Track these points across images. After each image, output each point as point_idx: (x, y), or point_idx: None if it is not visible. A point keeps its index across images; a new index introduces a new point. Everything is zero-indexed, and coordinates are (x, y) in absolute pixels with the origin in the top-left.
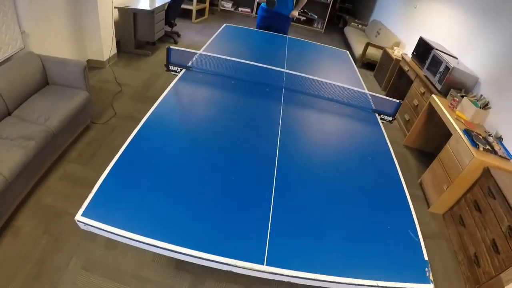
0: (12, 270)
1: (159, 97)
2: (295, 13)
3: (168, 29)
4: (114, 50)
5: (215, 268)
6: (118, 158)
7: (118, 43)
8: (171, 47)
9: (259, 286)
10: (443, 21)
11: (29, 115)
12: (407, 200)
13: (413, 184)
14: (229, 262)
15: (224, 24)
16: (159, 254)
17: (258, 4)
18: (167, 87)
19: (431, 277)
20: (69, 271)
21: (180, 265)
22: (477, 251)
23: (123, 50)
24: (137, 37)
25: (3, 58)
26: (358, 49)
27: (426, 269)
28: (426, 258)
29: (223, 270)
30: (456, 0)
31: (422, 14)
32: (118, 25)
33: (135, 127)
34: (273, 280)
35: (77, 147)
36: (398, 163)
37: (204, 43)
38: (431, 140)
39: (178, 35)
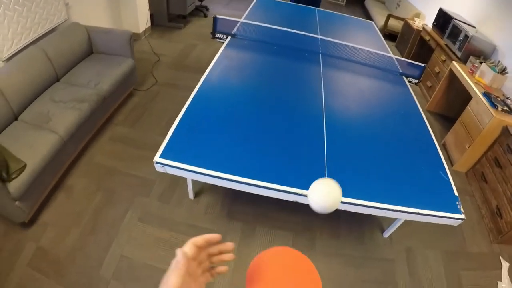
0: (67, 226)
1: (197, 66)
2: None
3: (198, 3)
4: (149, 23)
5: (265, 217)
6: (185, 110)
7: (151, 16)
8: (218, 16)
9: (304, 233)
10: None
11: (78, 80)
12: (436, 147)
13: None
14: (296, 191)
15: None
16: (212, 204)
17: None
18: (203, 57)
19: (461, 209)
20: (125, 223)
21: (231, 215)
22: (499, 204)
23: (156, 23)
24: (169, 10)
25: (50, 28)
26: (380, 21)
27: (457, 202)
28: (456, 194)
29: (272, 218)
30: None
31: None
32: None
33: (177, 93)
34: (317, 229)
35: (123, 112)
36: None
37: (232, 16)
38: (452, 105)
39: (207, 9)
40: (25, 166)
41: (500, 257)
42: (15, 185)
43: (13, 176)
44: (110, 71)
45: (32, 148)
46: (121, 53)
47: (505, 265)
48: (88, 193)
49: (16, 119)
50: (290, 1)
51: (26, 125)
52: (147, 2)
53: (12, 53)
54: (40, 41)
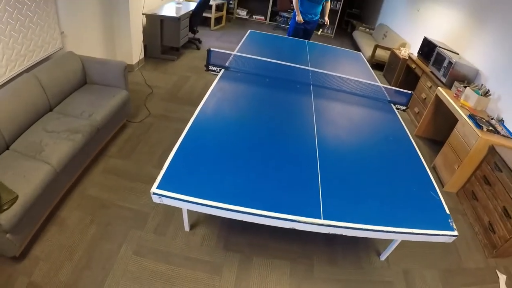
0: (60, 260)
1: (190, 98)
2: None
3: (191, 35)
4: (142, 55)
5: (261, 246)
6: (182, 141)
7: (145, 48)
8: (212, 49)
9: (301, 260)
10: (444, 21)
11: (72, 110)
12: (426, 169)
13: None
14: (294, 218)
15: (249, 30)
16: (208, 236)
17: (273, 12)
18: (196, 89)
19: (454, 226)
20: (121, 257)
21: (227, 246)
22: (491, 220)
23: (150, 55)
24: (163, 42)
25: (44, 56)
26: (367, 51)
27: (449, 220)
28: (447, 212)
29: (269, 248)
30: (454, 1)
31: (424, 16)
32: (145, 31)
33: (171, 125)
34: (313, 256)
35: (116, 143)
36: None
37: (224, 49)
38: (440, 129)
39: (200, 42)
40: (17, 197)
41: (497, 270)
42: (6, 217)
43: (5, 208)
44: (104, 102)
45: (25, 179)
46: (115, 84)
47: (502, 277)
48: (82, 226)
49: (7, 148)
50: (288, 36)
51: (18, 154)
52: (141, 33)
53: (6, 80)
54: (35, 69)
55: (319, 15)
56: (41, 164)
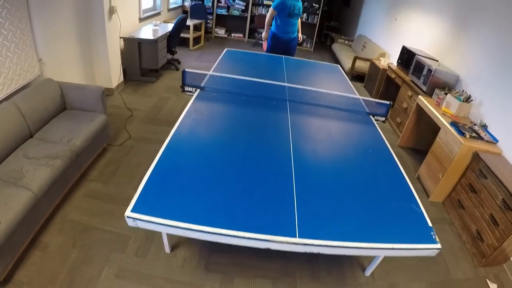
0: (43, 284)
1: (170, 119)
2: (301, 36)
3: (170, 56)
4: (121, 78)
5: (243, 266)
6: (156, 163)
7: (124, 71)
8: (186, 70)
9: (283, 279)
10: (422, 28)
11: (51, 136)
12: (406, 181)
13: (411, 179)
14: (268, 238)
15: (226, 49)
16: (189, 257)
17: (252, 29)
18: (176, 109)
19: (437, 239)
20: (102, 280)
21: (209, 266)
22: (478, 228)
23: (129, 78)
24: (142, 65)
25: (23, 84)
26: (347, 63)
27: (432, 233)
28: (430, 224)
29: (250, 267)
30: (431, 8)
31: (402, 25)
32: (123, 54)
33: (151, 147)
34: (296, 273)
35: (97, 167)
36: None
37: (203, 68)
38: (423, 138)
39: (179, 62)
40: None
41: (487, 279)
42: None
43: None
44: (83, 127)
45: (6, 205)
46: (94, 109)
47: (492, 286)
48: (64, 250)
49: None
50: (266, 52)
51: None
52: (120, 57)
53: None
54: (14, 97)
55: (296, 32)
56: (22, 191)
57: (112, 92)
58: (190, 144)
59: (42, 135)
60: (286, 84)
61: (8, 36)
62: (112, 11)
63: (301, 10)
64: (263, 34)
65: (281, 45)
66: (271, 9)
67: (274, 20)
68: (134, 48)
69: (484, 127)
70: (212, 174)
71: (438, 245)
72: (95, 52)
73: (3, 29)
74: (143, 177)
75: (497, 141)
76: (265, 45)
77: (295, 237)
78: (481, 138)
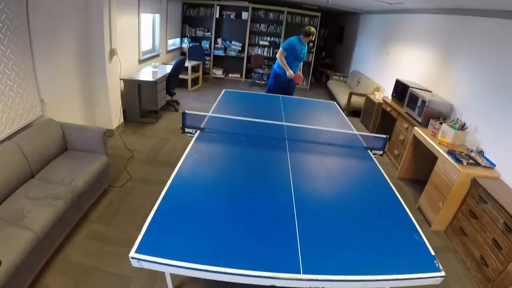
0: None
1: (170, 160)
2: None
3: (169, 97)
4: (121, 119)
5: None
6: (159, 205)
7: (124, 112)
8: (186, 111)
9: None
10: (414, 61)
11: (53, 177)
12: (406, 212)
13: (412, 210)
14: (272, 275)
15: (224, 90)
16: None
17: (248, 69)
18: (176, 150)
19: (440, 267)
20: None
21: None
22: (482, 253)
23: (129, 119)
24: (141, 106)
25: (24, 124)
26: (343, 99)
27: (435, 261)
28: (432, 253)
29: None
30: (421, 41)
31: (395, 59)
32: (123, 96)
33: (151, 188)
34: None
35: (98, 209)
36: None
37: (202, 109)
38: (421, 169)
39: (178, 103)
40: (0, 263)
41: None
42: None
43: None
44: (84, 168)
45: (7, 245)
46: (95, 150)
47: None
48: None
49: None
50: (266, 92)
51: (1, 221)
52: (120, 98)
53: None
54: (15, 136)
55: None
56: (24, 231)
57: (113, 133)
58: (192, 184)
59: (43, 176)
60: (284, 123)
61: (11, 76)
62: (112, 53)
63: (305, 54)
64: (288, 73)
65: (282, 84)
66: (281, 50)
67: (278, 61)
68: (134, 90)
69: (481, 153)
70: (214, 213)
71: (442, 273)
72: (96, 93)
73: (6, 69)
74: (144, 218)
75: (494, 165)
76: (298, 77)
77: (300, 273)
78: (479, 164)
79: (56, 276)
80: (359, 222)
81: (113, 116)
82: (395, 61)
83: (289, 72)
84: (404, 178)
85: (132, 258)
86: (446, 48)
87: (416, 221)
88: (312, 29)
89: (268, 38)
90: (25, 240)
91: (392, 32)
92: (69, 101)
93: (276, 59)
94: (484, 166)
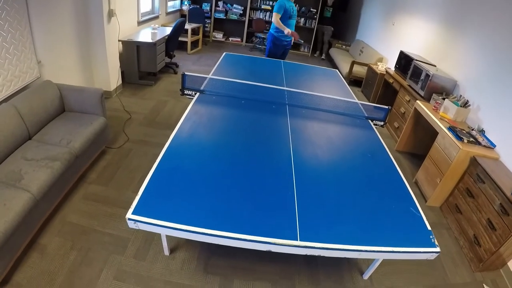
0: (42, 286)
1: (168, 122)
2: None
3: (168, 60)
4: (120, 81)
5: (242, 269)
6: (156, 166)
7: (122, 74)
8: (186, 73)
9: (282, 282)
10: (420, 33)
11: (50, 138)
12: (405, 185)
13: (409, 183)
14: (269, 241)
15: (224, 53)
16: (188, 259)
17: (249, 33)
18: (174, 112)
19: (436, 242)
20: (101, 282)
21: (208, 269)
22: (475, 233)
23: (127, 81)
24: (140, 68)
25: (22, 86)
26: (345, 68)
27: (431, 236)
28: (429, 228)
29: (250, 270)
30: (428, 13)
31: (400, 30)
32: (122, 57)
33: (149, 150)
34: (295, 276)
35: (96, 170)
36: None
37: (202, 72)
38: (420, 143)
39: (177, 66)
40: None
41: (484, 284)
42: None
43: None
44: (82, 130)
45: (5, 207)
46: (93, 111)
47: None
48: (62, 252)
49: None
50: (266, 56)
51: None
52: (118, 60)
53: None
54: (12, 98)
55: None
56: (21, 192)
57: (111, 95)
58: (190, 147)
59: (41, 137)
60: (285, 88)
61: (7, 38)
62: (111, 14)
63: (296, 10)
64: (286, 31)
65: (281, 48)
66: (275, 14)
67: (275, 24)
68: (132, 51)
69: (482, 132)
70: (212, 177)
71: (437, 249)
72: (94, 54)
73: (2, 31)
74: (141, 179)
75: (494, 146)
76: (295, 34)
77: (296, 239)
78: (479, 143)
79: (53, 236)
80: (357, 192)
81: (111, 78)
82: (400, 33)
83: (287, 30)
84: (402, 151)
85: (129, 219)
86: (455, 21)
87: (413, 195)
88: None
89: (270, 3)
90: (22, 201)
91: (398, 2)
92: (67, 63)
93: (272, 22)
94: (484, 146)
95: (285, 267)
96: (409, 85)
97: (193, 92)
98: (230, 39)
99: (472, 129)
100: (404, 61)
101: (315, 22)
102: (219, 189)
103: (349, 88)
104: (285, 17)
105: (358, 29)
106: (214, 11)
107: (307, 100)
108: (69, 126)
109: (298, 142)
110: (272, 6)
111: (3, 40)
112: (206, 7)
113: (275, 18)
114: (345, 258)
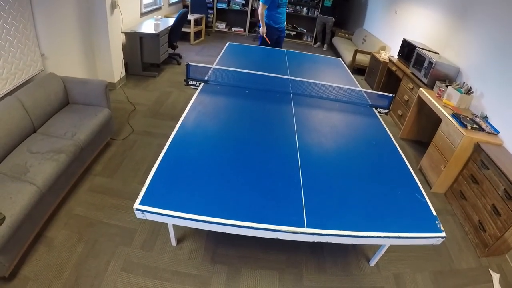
0: (49, 279)
1: (172, 113)
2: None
3: (171, 51)
4: (123, 72)
5: (249, 258)
6: (163, 156)
7: (125, 65)
8: (190, 63)
9: (289, 270)
10: (422, 21)
11: (55, 131)
12: (410, 171)
13: (413, 170)
14: (276, 228)
15: (228, 43)
16: (195, 249)
17: (252, 23)
18: (178, 103)
19: (441, 227)
20: (109, 274)
21: (215, 258)
22: (480, 218)
23: (131, 72)
24: (143, 59)
25: (26, 79)
26: (348, 57)
27: (436, 222)
28: (434, 213)
29: (257, 259)
30: (431, 0)
31: (402, 18)
32: (125, 49)
33: (154, 141)
34: (302, 265)
35: (101, 162)
36: None
37: (205, 62)
38: (424, 130)
39: (180, 57)
40: (4, 218)
41: (489, 269)
42: None
43: None
44: (87, 122)
45: (11, 200)
46: (97, 103)
47: (495, 276)
48: (69, 244)
49: None
50: (260, 45)
51: (4, 176)
52: (121, 51)
53: None
54: (17, 91)
55: (284, 22)
56: (27, 185)
57: (114, 86)
58: (195, 136)
59: (45, 130)
60: (289, 77)
61: (11, 31)
62: (114, 5)
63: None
64: (261, 30)
65: (274, 36)
66: (261, 4)
67: (270, 13)
68: (135, 43)
69: (485, 118)
70: (218, 165)
71: (443, 234)
72: (97, 46)
73: (6, 24)
74: (147, 171)
75: (498, 132)
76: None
77: (304, 227)
78: (482, 130)
79: (60, 229)
80: (363, 178)
81: (115, 70)
82: (403, 21)
83: (263, 29)
84: (406, 138)
85: (137, 209)
86: (458, 8)
87: (418, 181)
88: None
89: None
90: (28, 194)
91: None
92: (70, 55)
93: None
94: (488, 132)
95: (291, 255)
96: (412, 73)
97: (197, 83)
98: (233, 29)
99: (476, 116)
100: (407, 49)
101: (318, 12)
102: (225, 177)
103: (353, 77)
104: (273, 6)
105: (360, 18)
106: (217, 2)
107: (311, 88)
108: (73, 118)
109: (303, 130)
110: None
111: (6, 33)
112: None
113: (260, 10)
114: (351, 245)
